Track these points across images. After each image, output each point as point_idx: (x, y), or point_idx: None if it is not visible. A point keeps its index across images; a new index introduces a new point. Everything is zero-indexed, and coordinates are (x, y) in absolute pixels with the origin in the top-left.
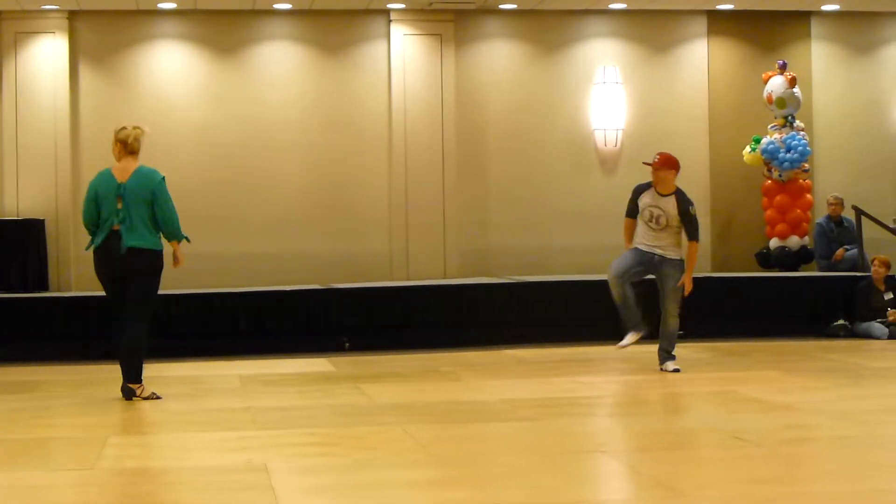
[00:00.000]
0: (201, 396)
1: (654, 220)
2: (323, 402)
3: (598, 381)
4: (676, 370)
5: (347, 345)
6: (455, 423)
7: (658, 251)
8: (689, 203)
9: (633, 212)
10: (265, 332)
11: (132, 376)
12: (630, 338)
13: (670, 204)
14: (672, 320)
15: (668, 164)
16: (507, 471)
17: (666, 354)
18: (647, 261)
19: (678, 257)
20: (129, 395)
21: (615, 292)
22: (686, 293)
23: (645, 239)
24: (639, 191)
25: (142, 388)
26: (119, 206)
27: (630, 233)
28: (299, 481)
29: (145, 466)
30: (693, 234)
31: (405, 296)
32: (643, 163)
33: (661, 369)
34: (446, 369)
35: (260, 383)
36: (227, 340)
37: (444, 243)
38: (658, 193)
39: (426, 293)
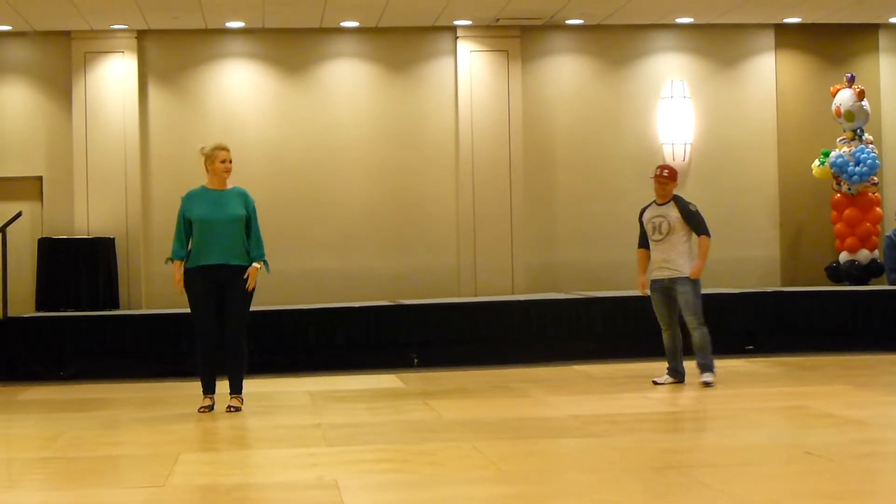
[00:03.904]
0: (271, 413)
1: (657, 231)
2: (392, 418)
3: (668, 397)
4: (706, 383)
5: (416, 361)
6: (524, 440)
7: (667, 270)
8: (688, 203)
9: (643, 241)
10: (334, 348)
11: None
12: (666, 378)
13: (670, 208)
14: (695, 333)
15: (674, 177)
16: (576, 487)
17: (703, 367)
18: (665, 291)
19: (688, 272)
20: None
21: (666, 341)
22: (692, 276)
23: (654, 257)
24: (641, 213)
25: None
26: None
27: (643, 264)
28: (370, 497)
29: (216, 483)
30: (700, 230)
31: (473, 311)
32: (650, 177)
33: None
34: (515, 385)
35: (330, 399)
36: (296, 357)
37: (512, 259)
38: (657, 205)
39: (494, 309)
